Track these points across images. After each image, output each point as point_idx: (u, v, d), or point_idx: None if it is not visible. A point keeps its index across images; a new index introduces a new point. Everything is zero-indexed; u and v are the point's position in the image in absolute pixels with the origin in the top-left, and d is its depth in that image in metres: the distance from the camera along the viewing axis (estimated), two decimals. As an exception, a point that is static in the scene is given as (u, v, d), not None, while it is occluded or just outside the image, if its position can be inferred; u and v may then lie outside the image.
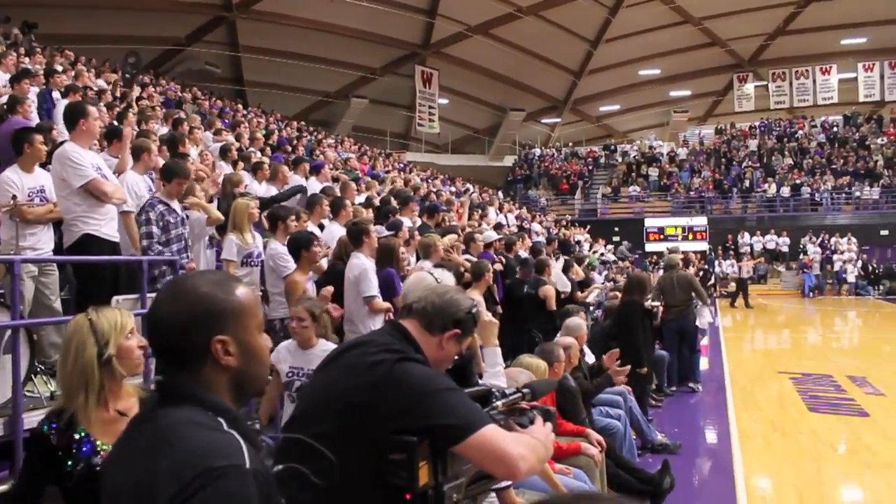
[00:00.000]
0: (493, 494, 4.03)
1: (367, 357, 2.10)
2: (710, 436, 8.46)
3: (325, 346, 4.53)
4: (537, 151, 39.54)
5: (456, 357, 2.90)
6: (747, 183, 33.73)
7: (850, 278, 28.58)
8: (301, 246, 5.74)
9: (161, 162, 6.56)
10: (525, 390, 2.41)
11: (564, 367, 5.41)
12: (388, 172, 17.97)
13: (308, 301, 4.76)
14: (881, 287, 28.49)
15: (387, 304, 6.15)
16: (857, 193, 31.99)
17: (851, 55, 37.80)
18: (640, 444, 7.29)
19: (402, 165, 24.72)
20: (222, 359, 1.53)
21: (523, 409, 2.39)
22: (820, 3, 35.00)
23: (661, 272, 13.82)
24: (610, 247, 24.49)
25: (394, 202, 9.40)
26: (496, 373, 3.40)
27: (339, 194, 8.62)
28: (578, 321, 6.55)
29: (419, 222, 9.32)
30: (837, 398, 9.83)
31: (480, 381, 2.76)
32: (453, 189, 22.36)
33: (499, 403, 2.26)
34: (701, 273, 18.11)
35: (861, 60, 37.96)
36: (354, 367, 2.11)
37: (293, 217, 6.37)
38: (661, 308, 10.12)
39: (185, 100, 18.31)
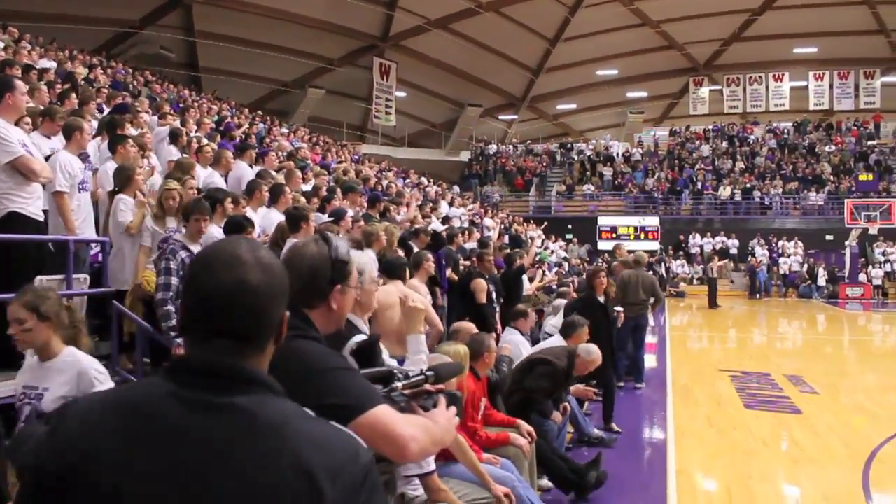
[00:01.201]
0: (417, 481, 4.02)
1: None
2: (648, 431, 8.54)
3: (73, 357, 3.36)
4: (493, 147, 39.60)
5: (364, 336, 2.86)
6: (699, 185, 34.21)
7: (821, 282, 29.14)
8: (232, 230, 5.59)
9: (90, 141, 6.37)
10: (429, 373, 2.38)
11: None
12: (340, 163, 17.85)
13: (31, 291, 3.40)
14: (825, 290, 29.10)
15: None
16: (806, 199, 32.66)
17: (803, 64, 38.61)
18: (576, 438, 7.36)
19: (356, 157, 24.59)
20: (283, 335, 1.45)
21: (429, 392, 2.36)
22: (774, 12, 35.67)
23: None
24: (562, 243, 24.67)
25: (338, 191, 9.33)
26: (418, 360, 3.38)
27: (280, 180, 8.52)
28: (594, 350, 6.54)
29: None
30: (773, 396, 10.02)
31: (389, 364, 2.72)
32: (409, 181, 22.37)
33: (399, 385, 2.22)
34: (650, 272, 18.27)
35: (812, 70, 38.80)
36: None
37: (230, 200, 6.25)
38: (621, 313, 9.74)
39: (140, 83, 18.01)
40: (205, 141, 10.57)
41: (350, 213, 8.28)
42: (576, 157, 37.85)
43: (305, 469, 1.24)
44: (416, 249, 8.31)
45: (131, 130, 8.59)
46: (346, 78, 35.65)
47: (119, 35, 29.88)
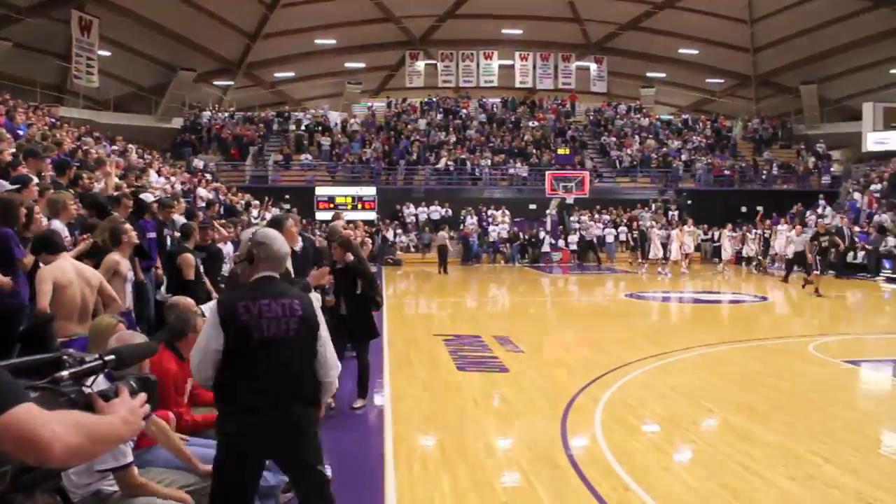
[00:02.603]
0: (112, 476, 3.62)
1: None
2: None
3: None
4: (207, 114, 37.85)
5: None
6: (415, 156, 35.27)
7: (546, 248, 31.17)
8: None
9: None
10: (109, 357, 2.04)
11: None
12: (30, 126, 16.05)
13: None
14: (527, 256, 31.42)
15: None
16: (511, 170, 34.90)
17: (510, 44, 41.08)
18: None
19: (53, 121, 22.27)
20: None
21: (113, 378, 2.05)
22: (485, -7, 37.52)
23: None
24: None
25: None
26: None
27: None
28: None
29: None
30: (483, 357, 10.53)
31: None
32: (116, 148, 20.72)
33: (65, 374, 1.88)
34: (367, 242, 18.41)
35: (518, 50, 41.36)
36: None
37: None
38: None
39: None
40: None
41: (36, 180, 7.38)
42: (293, 127, 37.37)
43: None
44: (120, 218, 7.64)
45: None
46: (39, 31, 31.88)
47: None
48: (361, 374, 7.79)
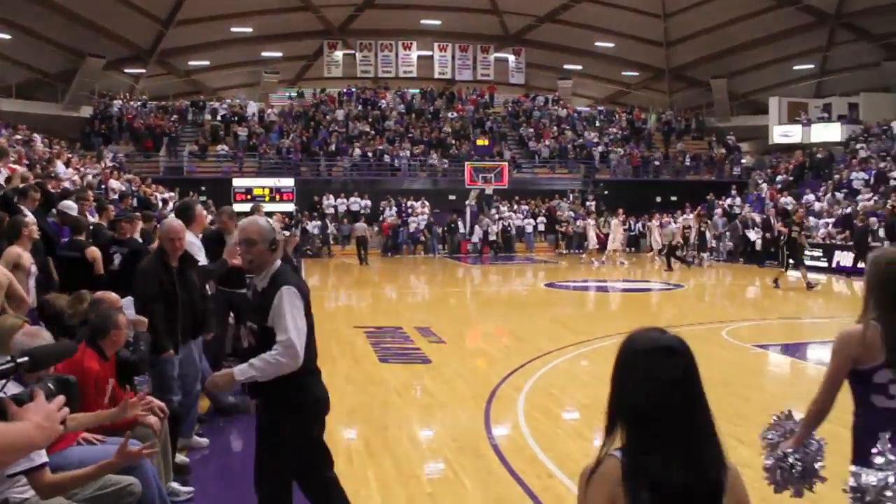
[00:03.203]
0: (24, 479, 3.45)
1: None
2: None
3: None
4: (118, 103, 36.55)
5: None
6: (333, 147, 34.90)
7: (474, 239, 31.25)
8: None
9: None
10: (22, 359, 1.92)
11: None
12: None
13: None
14: (446, 246, 31.52)
15: None
16: (430, 161, 34.89)
17: (429, 35, 41.02)
18: (213, 408, 7.06)
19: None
20: None
21: (32, 380, 1.93)
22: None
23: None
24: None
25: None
26: None
27: None
28: (165, 222, 5.90)
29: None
30: (405, 348, 10.51)
31: None
32: (19, 137, 19.87)
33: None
34: (293, 236, 18.19)
35: (437, 41, 41.36)
36: None
37: None
38: None
39: None
40: None
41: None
42: (209, 117, 36.50)
43: None
44: (26, 211, 7.33)
45: None
46: (-70, 12, 30.25)
47: None
48: None
